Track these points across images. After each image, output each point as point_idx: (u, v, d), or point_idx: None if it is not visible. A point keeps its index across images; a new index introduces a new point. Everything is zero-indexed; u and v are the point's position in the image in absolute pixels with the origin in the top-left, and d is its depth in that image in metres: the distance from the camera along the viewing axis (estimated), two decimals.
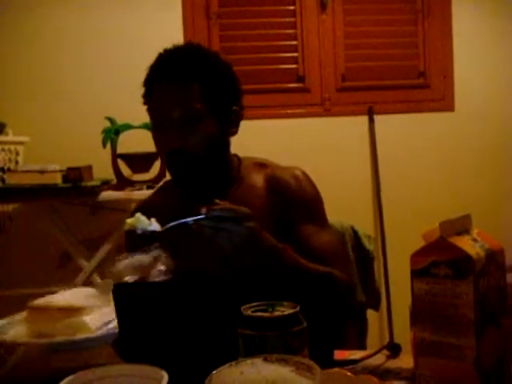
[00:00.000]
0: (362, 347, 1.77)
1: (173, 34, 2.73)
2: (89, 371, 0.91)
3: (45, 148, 2.94)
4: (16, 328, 1.18)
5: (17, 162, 2.94)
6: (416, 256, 0.88)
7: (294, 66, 3.17)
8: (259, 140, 2.95)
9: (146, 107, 1.48)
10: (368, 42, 3.19)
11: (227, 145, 1.53)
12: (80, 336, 1.14)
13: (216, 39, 3.10)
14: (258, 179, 1.52)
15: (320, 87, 3.19)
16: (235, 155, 1.58)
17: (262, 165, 1.56)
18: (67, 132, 3.01)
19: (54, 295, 1.21)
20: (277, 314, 0.82)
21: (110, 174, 2.73)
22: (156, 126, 1.46)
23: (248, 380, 0.54)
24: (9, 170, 2.85)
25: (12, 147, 2.92)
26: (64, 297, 1.26)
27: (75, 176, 2.65)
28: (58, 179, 2.65)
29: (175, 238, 1.29)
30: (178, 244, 1.32)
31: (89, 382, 0.88)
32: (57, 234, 2.79)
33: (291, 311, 0.82)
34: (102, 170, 2.73)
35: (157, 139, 1.48)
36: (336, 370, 0.71)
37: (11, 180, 2.73)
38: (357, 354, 1.18)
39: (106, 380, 0.89)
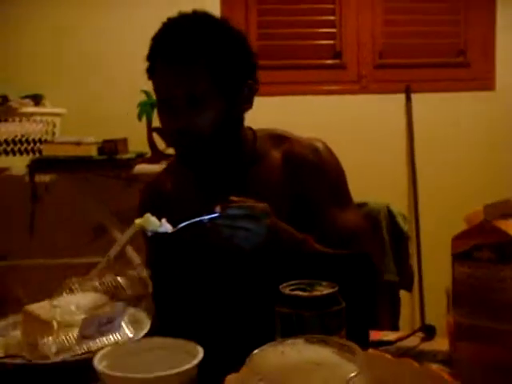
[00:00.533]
0: (395, 328, 1.76)
1: (210, 8, 2.68)
2: (125, 344, 0.92)
3: (81, 120, 2.96)
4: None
5: (53, 134, 2.96)
6: (457, 239, 0.86)
7: (330, 41, 3.13)
8: (293, 117, 2.93)
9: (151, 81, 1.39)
10: (407, 19, 3.13)
11: (240, 121, 1.42)
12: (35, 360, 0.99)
13: (253, 14, 3.07)
14: (275, 155, 1.42)
15: (357, 64, 3.14)
16: (249, 128, 1.47)
17: (278, 138, 1.45)
18: (103, 104, 3.02)
19: (55, 300, 1.09)
20: (315, 293, 0.81)
21: (144, 147, 2.74)
22: (160, 104, 1.37)
23: (289, 360, 0.54)
24: (46, 141, 2.88)
25: (49, 119, 2.95)
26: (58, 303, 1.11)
27: (110, 148, 2.67)
28: (93, 151, 2.67)
29: (189, 238, 1.23)
30: (191, 244, 1.26)
31: (125, 355, 0.89)
32: (91, 205, 2.82)
33: (330, 291, 0.81)
34: (137, 143, 2.74)
35: (161, 117, 1.38)
36: (375, 352, 0.70)
37: (48, 151, 2.76)
38: (390, 336, 1.18)
39: (142, 353, 0.90)
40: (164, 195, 1.48)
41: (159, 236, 1.16)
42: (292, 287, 0.83)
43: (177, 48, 1.31)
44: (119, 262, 2.76)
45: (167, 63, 1.33)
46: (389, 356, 0.69)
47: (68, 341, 0.98)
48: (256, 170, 1.41)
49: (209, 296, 1.02)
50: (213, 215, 1.18)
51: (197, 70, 1.31)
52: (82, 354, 0.96)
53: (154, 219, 1.19)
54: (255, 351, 0.53)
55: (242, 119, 1.43)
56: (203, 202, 1.39)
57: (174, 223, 1.26)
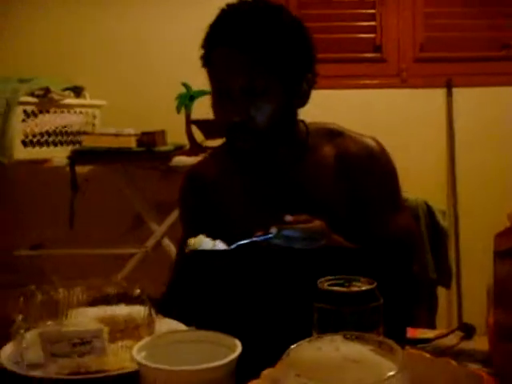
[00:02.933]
0: (432, 326, 1.74)
1: None
2: (163, 336, 0.93)
3: (120, 112, 2.99)
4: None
5: (93, 125, 3.00)
6: (500, 236, 0.84)
7: (371, 35, 3.09)
8: (332, 111, 2.90)
9: (205, 69, 1.34)
10: (448, 11, 3.08)
11: (295, 115, 1.38)
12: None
13: (293, 7, 3.05)
14: (327, 150, 1.38)
15: (397, 57, 3.10)
16: (302, 121, 1.42)
17: (331, 133, 1.40)
18: (142, 97, 3.05)
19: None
20: (354, 289, 0.80)
21: (183, 140, 2.76)
22: (216, 94, 1.32)
23: (326, 357, 0.54)
24: (86, 132, 2.92)
25: (89, 110, 2.99)
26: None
27: (149, 140, 2.69)
28: (132, 143, 2.70)
29: (244, 256, 1.20)
30: (246, 263, 1.24)
31: (162, 346, 0.90)
32: (129, 196, 2.85)
33: (368, 287, 0.80)
34: (176, 135, 2.76)
35: (216, 108, 1.33)
36: (413, 350, 0.69)
37: (88, 142, 2.79)
38: (428, 333, 1.16)
39: (180, 344, 0.90)
40: (207, 181, 1.45)
41: (212, 254, 1.14)
42: (330, 282, 0.83)
43: (237, 36, 1.25)
44: (156, 253, 2.79)
45: (226, 52, 1.27)
46: (427, 355, 0.68)
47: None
48: (307, 163, 1.37)
49: (247, 290, 1.02)
50: (268, 236, 1.18)
51: (257, 60, 1.25)
52: (96, 372, 0.95)
53: (208, 240, 1.17)
54: (292, 346, 0.53)
55: (297, 113, 1.39)
56: (250, 192, 1.39)
57: (218, 214, 1.26)
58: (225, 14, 1.30)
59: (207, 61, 1.31)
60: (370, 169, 1.36)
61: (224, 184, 1.43)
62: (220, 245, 1.17)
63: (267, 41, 1.25)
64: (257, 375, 0.75)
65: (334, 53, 3.08)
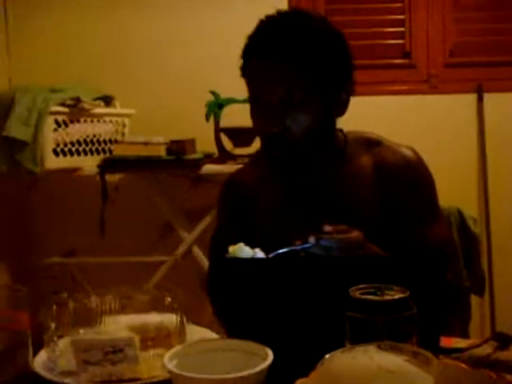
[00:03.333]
0: (465, 335, 1.71)
1: (278, 4, 2.70)
2: (195, 344, 0.93)
3: (150, 120, 3.01)
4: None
5: (123, 134, 3.03)
6: None
7: (400, 41, 3.07)
8: (361, 117, 2.88)
9: (244, 79, 1.35)
10: (479, 16, 3.04)
11: (334, 125, 1.38)
12: None
13: (321, 12, 3.05)
14: (365, 160, 1.37)
15: (426, 63, 3.08)
16: (340, 130, 1.42)
17: (369, 142, 1.40)
18: (172, 105, 3.07)
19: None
20: (386, 297, 0.80)
21: (212, 148, 2.76)
22: (254, 104, 1.32)
23: (360, 366, 0.53)
24: (116, 141, 2.94)
25: (119, 119, 3.01)
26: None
27: (178, 148, 2.70)
28: (161, 151, 2.71)
29: (280, 265, 1.20)
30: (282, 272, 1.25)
31: (194, 355, 0.90)
32: (159, 204, 2.86)
33: (401, 296, 0.79)
34: (205, 143, 2.77)
35: (255, 117, 1.33)
36: (450, 361, 0.68)
37: (118, 151, 2.81)
38: (461, 343, 1.14)
39: (211, 353, 0.90)
40: (245, 187, 1.46)
41: (250, 262, 1.14)
42: (362, 291, 0.82)
43: (276, 47, 1.24)
44: (185, 261, 2.80)
45: (265, 62, 1.27)
46: (463, 365, 0.67)
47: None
48: (344, 172, 1.37)
49: (281, 299, 1.02)
50: (306, 245, 1.19)
51: (296, 71, 1.24)
52: (128, 380, 0.96)
53: (247, 248, 1.17)
54: (326, 356, 0.53)
55: (335, 123, 1.38)
56: (287, 200, 1.39)
57: (255, 218, 1.26)
58: (263, 25, 1.29)
59: (245, 71, 1.32)
60: (407, 179, 1.35)
61: (262, 191, 1.44)
62: (259, 254, 1.17)
63: (306, 51, 1.25)
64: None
65: (363, 59, 3.05)
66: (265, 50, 1.26)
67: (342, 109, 1.35)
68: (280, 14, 1.30)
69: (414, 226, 1.33)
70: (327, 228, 1.19)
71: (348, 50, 1.34)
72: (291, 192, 1.40)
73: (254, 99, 1.32)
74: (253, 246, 1.16)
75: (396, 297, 0.79)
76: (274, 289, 1.02)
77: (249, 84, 1.33)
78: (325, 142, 1.35)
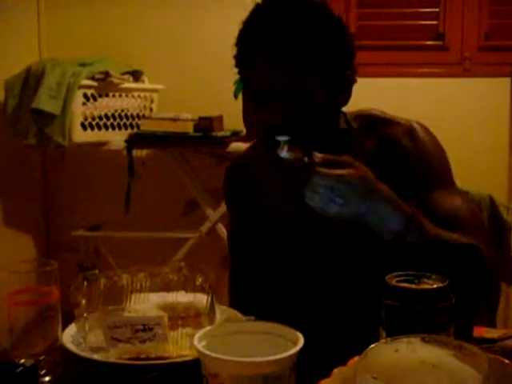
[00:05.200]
0: (492, 323, 1.69)
1: None
2: (225, 325, 0.92)
3: (178, 96, 3.00)
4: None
5: (151, 110, 3.02)
6: None
7: (433, 22, 3.01)
8: (392, 99, 2.85)
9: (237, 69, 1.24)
10: None
11: (337, 114, 1.29)
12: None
13: None
14: (368, 142, 1.28)
15: (460, 45, 3.01)
16: (344, 114, 1.32)
17: (371, 122, 1.31)
18: (200, 81, 3.05)
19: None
20: (424, 286, 0.78)
21: (240, 125, 2.73)
22: (250, 95, 1.21)
23: (403, 359, 0.52)
24: (143, 116, 2.94)
25: (147, 95, 3.01)
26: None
27: (206, 126, 2.69)
28: (189, 128, 2.71)
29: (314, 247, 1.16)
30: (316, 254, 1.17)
31: (225, 335, 0.89)
32: (185, 181, 2.86)
33: (440, 285, 0.77)
34: (233, 120, 2.74)
35: (249, 110, 1.23)
36: (490, 355, 0.66)
37: (145, 126, 2.81)
38: (492, 333, 1.12)
39: (241, 335, 0.89)
40: (248, 172, 1.43)
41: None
42: (398, 279, 0.80)
43: (275, 42, 1.15)
44: (210, 238, 2.81)
45: (265, 58, 1.17)
46: (506, 361, 0.65)
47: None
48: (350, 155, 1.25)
49: (312, 283, 1.01)
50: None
51: (298, 58, 1.15)
52: (156, 358, 0.96)
53: None
54: (370, 347, 0.51)
55: (339, 113, 1.31)
56: (290, 187, 1.35)
57: (260, 205, 1.23)
58: (259, 11, 1.20)
59: (242, 60, 1.22)
60: (414, 152, 1.27)
61: (265, 176, 1.39)
62: None
63: (306, 43, 1.16)
64: (319, 371, 0.73)
65: (395, 40, 3.01)
66: (263, 47, 1.16)
67: (344, 98, 1.26)
68: (274, 2, 1.20)
69: (425, 197, 1.23)
70: (317, 156, 1.08)
71: (348, 36, 1.23)
72: (293, 179, 1.35)
73: (250, 92, 1.22)
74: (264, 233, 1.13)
75: (434, 286, 0.77)
76: (310, 272, 1.02)
77: (246, 74, 1.23)
78: (329, 131, 1.26)
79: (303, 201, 1.10)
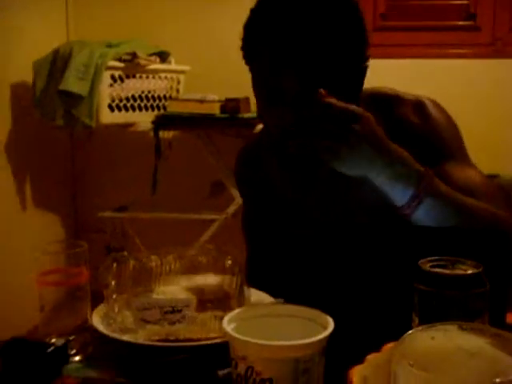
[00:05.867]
0: None
1: None
2: (254, 308, 0.92)
3: (204, 78, 2.99)
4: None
5: (177, 91, 3.02)
6: None
7: (464, 1, 2.95)
8: (421, 81, 2.81)
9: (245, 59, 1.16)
10: None
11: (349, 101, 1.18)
12: None
13: None
14: (378, 121, 1.16)
15: (492, 26, 2.95)
16: None
17: (381, 100, 1.24)
18: (227, 63, 3.02)
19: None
20: (459, 272, 0.76)
21: None
22: (261, 92, 1.14)
23: (439, 347, 0.50)
24: (170, 97, 2.94)
25: (174, 76, 3.00)
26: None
27: (232, 107, 2.68)
28: (215, 109, 2.70)
29: (343, 230, 1.12)
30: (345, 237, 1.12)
31: (254, 318, 0.89)
32: (211, 163, 2.86)
33: (475, 271, 0.76)
34: None
35: (263, 107, 1.15)
36: None
37: (172, 108, 2.81)
38: None
39: (270, 318, 0.89)
40: (258, 157, 1.40)
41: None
42: (432, 264, 0.79)
43: (284, 32, 1.06)
44: (236, 220, 2.80)
45: (273, 45, 1.08)
46: None
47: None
48: None
49: (344, 266, 1.00)
50: None
51: (308, 54, 1.06)
52: (185, 340, 0.95)
53: None
54: (406, 334, 0.50)
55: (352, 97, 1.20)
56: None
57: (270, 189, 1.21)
58: (266, 6, 1.12)
59: (250, 55, 1.15)
60: (422, 126, 1.22)
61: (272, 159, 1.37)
62: None
63: (319, 28, 1.06)
64: (350, 357, 0.72)
65: (425, 20, 2.97)
66: (271, 42, 1.08)
67: (358, 88, 1.18)
68: None
69: (436, 169, 1.14)
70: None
71: (363, 24, 1.14)
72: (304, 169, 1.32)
73: (262, 91, 1.14)
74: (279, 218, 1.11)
75: (469, 272, 0.76)
76: (340, 255, 1.00)
77: (255, 70, 1.15)
78: None
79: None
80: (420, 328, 0.51)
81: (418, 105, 1.24)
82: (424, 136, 1.21)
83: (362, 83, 1.18)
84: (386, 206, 1.06)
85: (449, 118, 1.26)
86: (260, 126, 2.62)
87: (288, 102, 1.07)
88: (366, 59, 1.16)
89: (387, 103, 1.25)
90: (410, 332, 0.51)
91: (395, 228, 1.11)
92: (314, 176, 1.26)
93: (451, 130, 1.25)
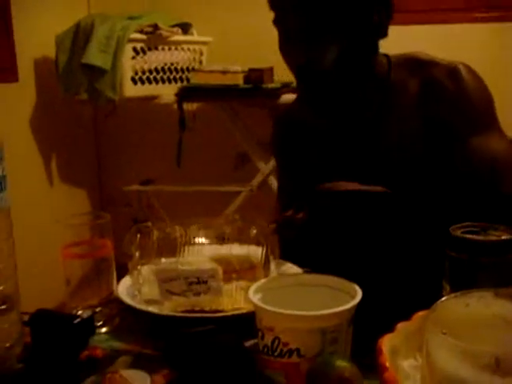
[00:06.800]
0: None
1: None
2: (279, 278, 0.90)
3: (227, 48, 2.95)
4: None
5: (200, 62, 2.99)
6: None
7: None
8: (445, 47, 2.73)
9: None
10: None
11: (372, 51, 1.25)
12: None
13: None
14: (412, 83, 1.25)
15: None
16: (385, 55, 1.29)
17: (416, 63, 1.27)
18: (249, 33, 2.99)
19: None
20: (491, 238, 0.74)
21: (290, 77, 2.67)
22: (282, 37, 1.22)
23: (474, 314, 0.48)
24: (193, 69, 2.91)
25: (196, 47, 2.97)
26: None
27: (256, 77, 2.64)
28: (239, 80, 2.66)
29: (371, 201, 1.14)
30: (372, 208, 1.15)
31: (280, 288, 0.87)
32: (236, 134, 2.83)
33: (509, 236, 0.73)
34: (283, 72, 2.68)
35: (284, 52, 1.24)
36: None
37: (195, 79, 2.79)
38: None
39: (296, 287, 0.88)
40: (295, 123, 1.41)
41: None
42: (463, 230, 0.76)
43: None
44: (261, 192, 2.79)
45: None
46: None
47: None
48: (390, 100, 1.26)
49: (372, 234, 0.98)
50: None
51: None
52: (211, 311, 0.95)
53: None
54: (439, 301, 0.48)
55: (374, 49, 1.26)
56: (329, 135, 1.33)
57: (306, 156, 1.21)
58: None
59: (272, 2, 1.24)
60: (455, 93, 1.22)
61: (308, 127, 1.37)
62: None
63: None
64: (380, 326, 0.70)
65: None
66: None
67: (377, 34, 1.22)
68: None
69: (463, 142, 1.19)
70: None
71: None
72: (331, 127, 1.32)
73: (281, 32, 1.23)
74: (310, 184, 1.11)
75: (503, 237, 0.73)
76: (368, 223, 0.98)
77: (276, 16, 1.23)
78: (363, 69, 1.24)
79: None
80: (453, 295, 0.49)
81: (453, 70, 1.23)
82: (456, 101, 1.21)
83: (382, 30, 1.21)
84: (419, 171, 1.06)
85: (482, 83, 1.25)
86: (284, 97, 2.60)
87: (298, 40, 1.16)
88: (384, 3, 1.19)
89: (423, 67, 1.26)
90: (443, 299, 0.48)
91: (426, 194, 1.09)
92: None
93: (484, 97, 1.25)
